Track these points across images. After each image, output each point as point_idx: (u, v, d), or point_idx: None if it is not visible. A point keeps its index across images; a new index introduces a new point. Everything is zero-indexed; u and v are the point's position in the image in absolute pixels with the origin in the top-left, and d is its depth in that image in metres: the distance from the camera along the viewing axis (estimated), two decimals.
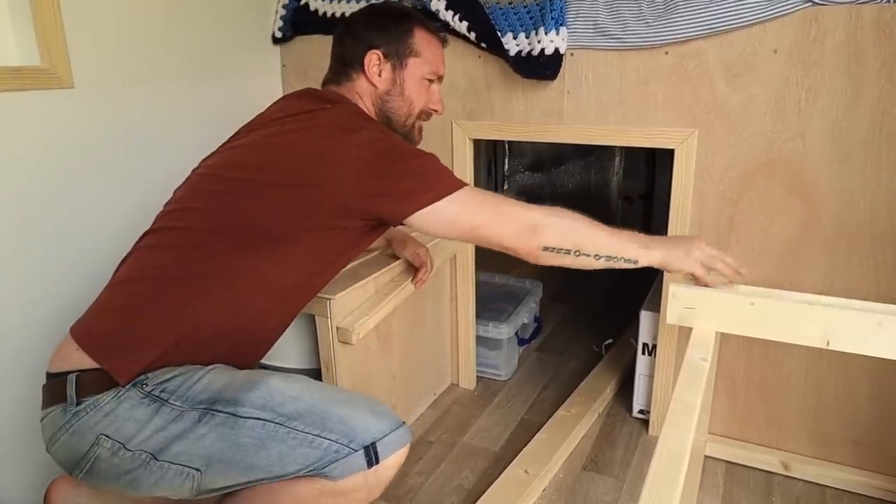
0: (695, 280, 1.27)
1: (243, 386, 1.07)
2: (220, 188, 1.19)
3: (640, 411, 1.94)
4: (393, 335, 1.76)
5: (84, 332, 1.11)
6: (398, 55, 1.34)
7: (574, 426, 1.87)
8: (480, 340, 2.15)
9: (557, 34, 1.62)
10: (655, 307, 1.82)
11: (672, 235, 1.38)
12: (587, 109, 1.71)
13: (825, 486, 1.65)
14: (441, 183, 1.16)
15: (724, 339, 1.66)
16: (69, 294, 1.50)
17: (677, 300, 1.36)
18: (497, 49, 1.72)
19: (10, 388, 1.43)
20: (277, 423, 1.04)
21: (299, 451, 1.04)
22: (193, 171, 1.28)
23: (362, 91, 1.34)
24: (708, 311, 1.34)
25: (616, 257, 1.29)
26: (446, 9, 1.74)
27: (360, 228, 1.19)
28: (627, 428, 1.92)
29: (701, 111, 1.58)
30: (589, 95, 1.69)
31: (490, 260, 2.51)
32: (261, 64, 2.04)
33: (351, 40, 1.34)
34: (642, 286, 2.02)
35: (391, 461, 1.07)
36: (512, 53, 1.69)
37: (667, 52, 1.58)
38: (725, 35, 1.51)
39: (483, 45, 1.75)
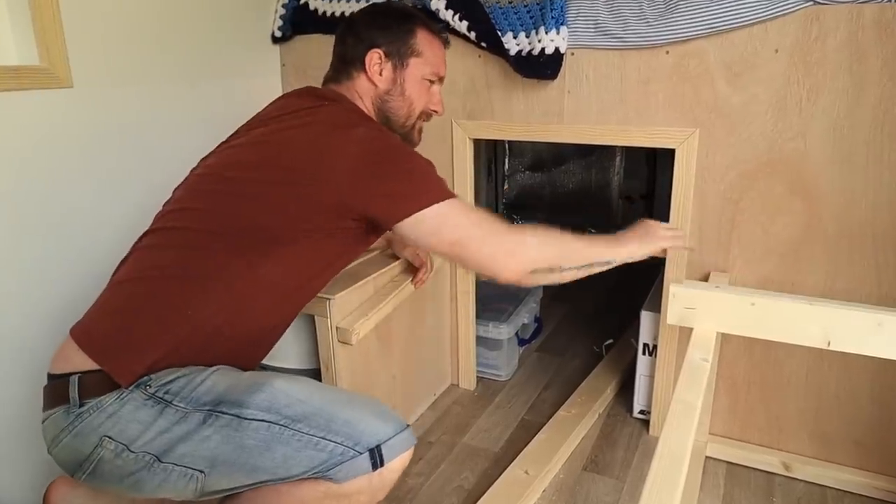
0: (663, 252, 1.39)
1: (248, 388, 1.06)
2: (218, 188, 1.18)
3: (641, 412, 1.94)
4: (393, 335, 1.76)
5: (84, 333, 1.10)
6: (399, 55, 1.33)
7: (574, 427, 1.86)
8: (480, 341, 2.14)
9: (558, 33, 1.62)
10: (656, 307, 1.81)
11: (628, 229, 1.39)
12: (588, 109, 1.70)
13: (826, 486, 1.64)
14: (432, 191, 1.15)
15: (724, 339, 1.65)
16: (68, 294, 1.49)
17: (678, 300, 1.36)
18: (497, 48, 1.72)
19: (10, 388, 1.43)
20: (282, 426, 1.04)
21: (304, 454, 1.04)
22: (192, 170, 1.27)
23: (362, 90, 1.33)
24: (708, 312, 1.34)
25: (595, 263, 1.30)
26: (446, 8, 1.74)
27: (356, 231, 1.19)
28: (628, 428, 1.91)
29: (702, 111, 1.58)
30: (589, 95, 1.69)
31: None
32: (260, 63, 2.04)
33: (352, 39, 1.33)
34: (643, 286, 2.02)
35: (396, 464, 1.07)
36: (512, 53, 1.69)
37: (667, 52, 1.57)
38: (726, 34, 1.50)
39: (483, 44, 1.75)
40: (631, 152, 3.30)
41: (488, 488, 1.61)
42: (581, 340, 2.50)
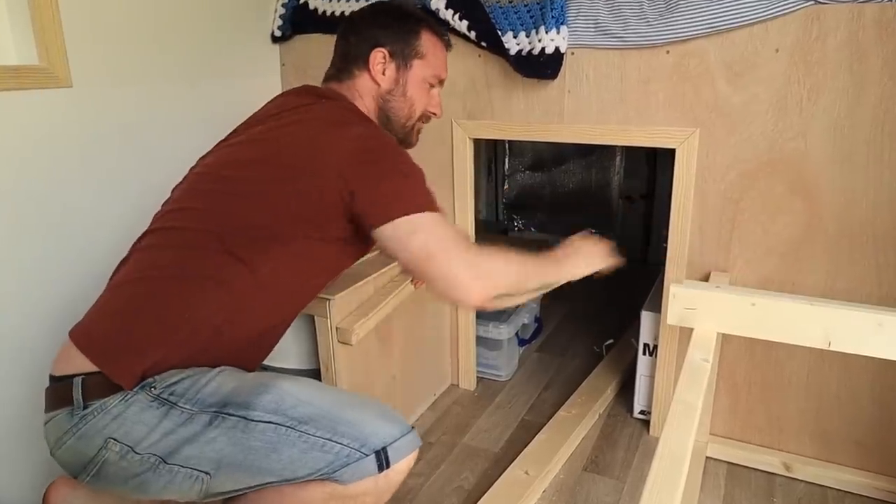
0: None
1: (254, 389, 1.06)
2: (216, 187, 1.18)
3: (641, 412, 1.94)
4: (393, 336, 1.75)
5: (83, 335, 1.10)
6: (403, 55, 1.33)
7: (575, 427, 1.86)
8: (480, 341, 2.14)
9: (558, 33, 1.62)
10: (656, 307, 1.81)
11: (566, 245, 1.37)
12: (588, 109, 1.70)
13: (827, 487, 1.64)
14: (418, 199, 1.13)
15: (725, 339, 1.65)
16: (67, 294, 1.49)
17: (678, 301, 1.36)
18: (497, 48, 1.71)
19: (10, 388, 1.43)
20: (289, 427, 1.04)
21: (310, 455, 1.04)
22: (191, 169, 1.27)
23: (363, 89, 1.33)
24: (709, 312, 1.33)
25: (551, 284, 1.29)
26: (446, 7, 1.74)
27: (352, 232, 1.18)
28: (628, 429, 1.91)
29: (702, 110, 1.57)
30: (590, 95, 1.69)
31: None
32: (260, 63, 2.03)
33: (356, 37, 1.33)
34: (643, 286, 2.02)
35: (401, 465, 1.07)
36: (512, 52, 1.69)
37: (668, 51, 1.57)
38: (727, 34, 1.50)
39: (483, 44, 1.74)
40: (631, 152, 3.30)
41: (488, 489, 1.61)
42: (581, 340, 2.49)
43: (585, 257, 1.37)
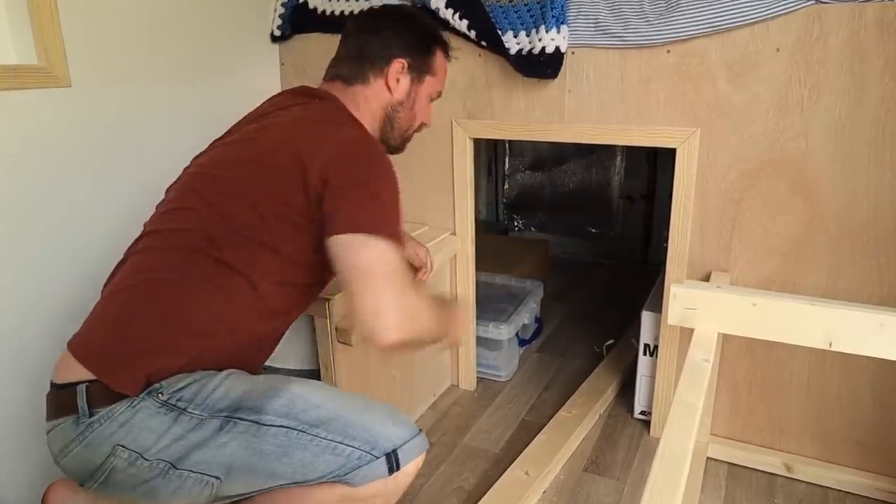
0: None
1: (265, 393, 1.06)
2: (208, 187, 1.17)
3: (642, 412, 1.93)
4: None
5: (81, 345, 1.08)
6: (419, 70, 1.34)
7: (575, 427, 1.86)
8: (481, 341, 2.14)
9: (558, 32, 1.61)
10: (657, 308, 1.81)
11: (447, 306, 1.35)
12: (588, 108, 1.70)
13: (828, 487, 1.64)
14: (387, 223, 1.11)
15: (725, 339, 1.65)
16: (66, 294, 1.49)
17: (679, 301, 1.35)
18: (497, 47, 1.71)
19: (8, 388, 1.42)
20: (300, 431, 1.04)
21: (322, 459, 1.04)
22: (185, 169, 1.26)
23: (373, 95, 1.32)
24: (709, 312, 1.33)
25: (432, 343, 1.25)
26: (446, 7, 1.73)
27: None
28: (629, 429, 1.91)
29: (703, 110, 1.57)
30: (590, 94, 1.68)
31: (490, 260, 2.51)
32: (259, 62, 2.03)
33: (378, 42, 1.31)
34: (644, 286, 2.01)
35: (410, 468, 1.08)
36: (512, 52, 1.68)
37: (668, 51, 1.57)
38: (727, 33, 1.50)
39: (483, 43, 1.74)
40: (632, 152, 3.30)
41: (488, 489, 1.60)
42: (582, 341, 2.49)
43: (453, 326, 1.31)
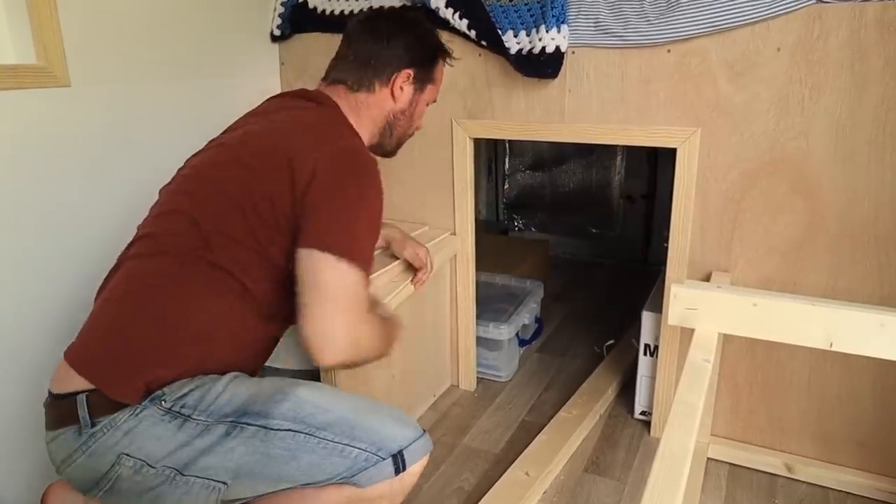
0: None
1: (271, 397, 1.07)
2: (201, 189, 1.16)
3: (642, 413, 1.93)
4: None
5: (79, 356, 1.08)
6: (422, 81, 1.36)
7: (575, 428, 1.85)
8: (481, 341, 2.13)
9: (558, 32, 1.61)
10: (657, 308, 1.81)
11: (387, 315, 1.36)
12: (588, 108, 1.69)
13: (828, 488, 1.64)
14: (357, 250, 1.10)
15: (726, 339, 1.64)
16: (65, 294, 1.49)
17: (679, 301, 1.35)
18: (497, 47, 1.71)
19: (6, 388, 1.42)
20: (308, 434, 1.05)
21: (329, 461, 1.05)
22: (179, 171, 1.25)
23: (376, 102, 1.32)
24: (710, 312, 1.33)
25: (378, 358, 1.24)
26: (446, 6, 1.73)
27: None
28: (629, 430, 1.91)
29: (703, 110, 1.57)
30: (590, 94, 1.68)
31: (490, 260, 2.51)
32: (259, 62, 2.03)
33: (387, 51, 1.31)
34: (644, 286, 2.01)
35: (415, 468, 1.10)
36: (513, 52, 1.68)
37: (669, 50, 1.56)
38: (728, 33, 1.49)
39: (483, 43, 1.74)
40: (632, 151, 3.29)
41: (489, 490, 1.60)
42: (582, 341, 2.49)
43: (397, 338, 1.32)
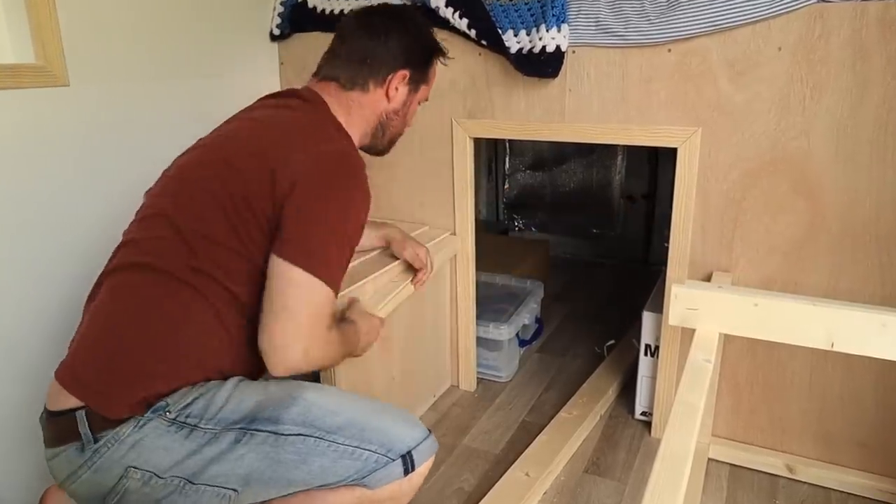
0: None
1: (280, 402, 1.06)
2: (183, 190, 1.14)
3: (643, 413, 1.93)
4: (392, 336, 1.74)
5: (70, 375, 1.05)
6: (416, 81, 1.34)
7: (576, 428, 1.85)
8: (481, 342, 2.13)
9: (559, 31, 1.61)
10: (658, 308, 1.80)
11: (360, 312, 1.38)
12: (589, 107, 1.69)
13: (830, 489, 1.63)
14: (329, 268, 1.08)
15: (727, 339, 1.64)
16: (63, 293, 1.48)
17: (680, 301, 1.35)
18: (498, 46, 1.70)
19: (4, 388, 1.42)
20: (318, 438, 1.05)
21: (341, 464, 1.05)
22: (165, 171, 1.22)
23: (369, 102, 1.30)
24: (711, 313, 1.33)
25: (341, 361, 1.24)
26: (446, 6, 1.73)
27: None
28: (630, 430, 1.90)
29: (704, 109, 1.56)
30: (591, 93, 1.68)
31: (490, 260, 2.51)
32: (259, 61, 2.02)
33: (384, 53, 1.28)
34: (645, 286, 2.01)
35: (423, 469, 1.11)
36: (513, 51, 1.68)
37: (669, 50, 1.56)
38: (729, 32, 1.49)
39: (483, 42, 1.73)
40: (633, 151, 3.29)
41: (489, 490, 1.60)
42: (582, 341, 2.48)
43: (366, 336, 1.33)
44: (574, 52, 1.66)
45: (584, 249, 3.50)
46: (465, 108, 1.85)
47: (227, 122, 1.27)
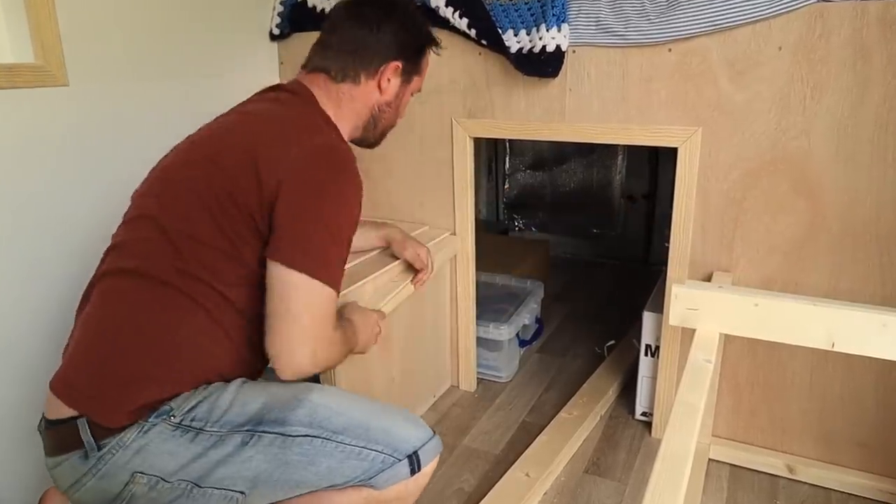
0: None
1: (286, 404, 1.06)
2: (167, 190, 1.12)
3: (643, 413, 1.92)
4: (392, 337, 1.74)
5: (65, 386, 1.04)
6: (409, 72, 1.31)
7: (576, 429, 1.85)
8: (481, 342, 2.13)
9: (559, 31, 1.61)
10: (658, 308, 1.80)
11: (355, 310, 1.36)
12: (589, 107, 1.69)
13: (830, 489, 1.63)
14: (328, 267, 1.07)
15: (727, 339, 1.64)
16: (62, 294, 1.48)
17: (680, 301, 1.35)
18: (498, 46, 1.70)
19: (3, 389, 1.42)
20: (325, 439, 1.05)
21: (347, 464, 1.05)
22: (151, 171, 1.19)
23: (360, 95, 1.26)
24: (711, 313, 1.32)
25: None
26: (446, 5, 1.72)
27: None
28: (630, 430, 1.90)
29: (704, 109, 1.56)
30: (591, 93, 1.68)
31: (490, 260, 2.51)
32: (259, 61, 2.02)
33: (376, 44, 1.24)
34: (645, 286, 2.00)
35: (429, 469, 1.11)
36: (513, 51, 1.68)
37: (670, 49, 1.56)
38: (729, 32, 1.49)
39: (483, 42, 1.73)
40: (633, 151, 3.29)
41: (489, 491, 1.59)
42: (582, 341, 2.48)
43: (364, 332, 1.32)
44: (574, 51, 1.66)
45: (585, 249, 3.50)
46: (465, 107, 1.85)
47: (216, 118, 1.24)
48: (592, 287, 3.07)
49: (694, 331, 1.33)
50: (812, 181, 1.50)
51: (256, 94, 1.29)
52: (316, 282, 1.05)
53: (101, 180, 1.56)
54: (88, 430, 1.00)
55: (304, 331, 1.05)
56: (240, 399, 1.06)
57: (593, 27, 1.61)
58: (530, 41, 1.65)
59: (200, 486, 1.02)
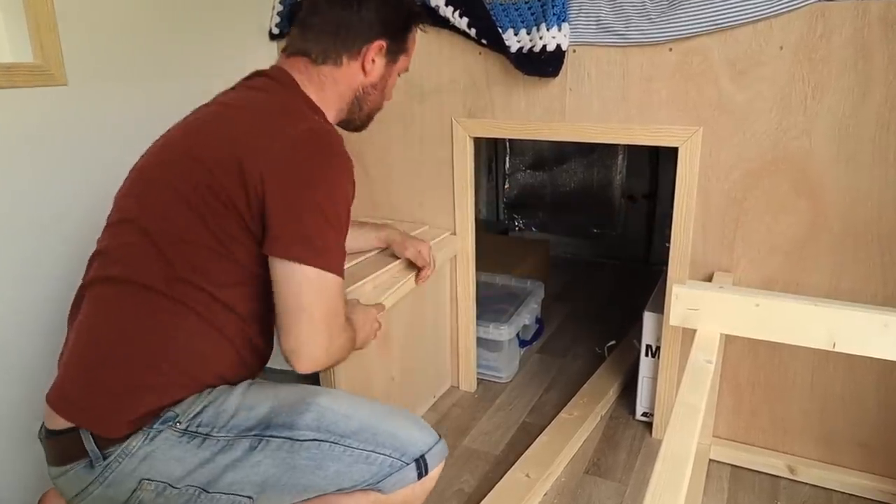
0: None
1: (294, 408, 1.05)
2: (148, 192, 1.08)
3: (644, 414, 1.92)
4: (392, 336, 1.74)
5: (62, 399, 1.02)
6: (395, 52, 1.25)
7: (576, 429, 1.84)
8: (481, 342, 2.13)
9: (559, 30, 1.60)
10: (659, 308, 1.80)
11: (354, 307, 1.34)
12: (589, 107, 1.68)
13: (831, 489, 1.63)
14: (329, 254, 1.04)
15: (728, 340, 1.64)
16: (59, 294, 1.47)
17: (681, 301, 1.34)
18: (498, 46, 1.70)
19: (3, 389, 1.41)
20: (332, 443, 1.04)
21: (355, 468, 1.05)
22: (132, 170, 1.15)
23: (344, 77, 1.20)
24: (712, 313, 1.32)
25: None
26: (446, 4, 1.72)
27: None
28: (630, 431, 1.90)
29: (705, 109, 1.56)
30: (591, 93, 1.67)
31: (491, 260, 2.50)
32: (258, 61, 1.99)
33: (359, 23, 1.18)
34: (646, 286, 2.00)
35: (435, 472, 1.11)
36: (513, 50, 1.67)
37: (671, 49, 1.55)
38: (730, 31, 1.48)
39: (483, 41, 1.73)
40: (633, 151, 3.29)
41: (489, 491, 1.59)
42: (583, 342, 2.48)
43: (362, 326, 1.30)
44: (574, 51, 1.66)
45: (585, 249, 3.49)
46: (465, 107, 1.85)
47: (195, 110, 1.20)
48: (593, 287, 3.06)
49: (695, 331, 1.33)
50: (813, 181, 1.50)
51: (238, 83, 1.24)
52: (322, 272, 1.03)
53: (99, 180, 1.55)
54: (92, 440, 0.99)
55: (318, 323, 1.04)
56: (246, 403, 1.05)
57: (594, 26, 1.60)
58: (530, 40, 1.65)
59: (208, 492, 1.01)
